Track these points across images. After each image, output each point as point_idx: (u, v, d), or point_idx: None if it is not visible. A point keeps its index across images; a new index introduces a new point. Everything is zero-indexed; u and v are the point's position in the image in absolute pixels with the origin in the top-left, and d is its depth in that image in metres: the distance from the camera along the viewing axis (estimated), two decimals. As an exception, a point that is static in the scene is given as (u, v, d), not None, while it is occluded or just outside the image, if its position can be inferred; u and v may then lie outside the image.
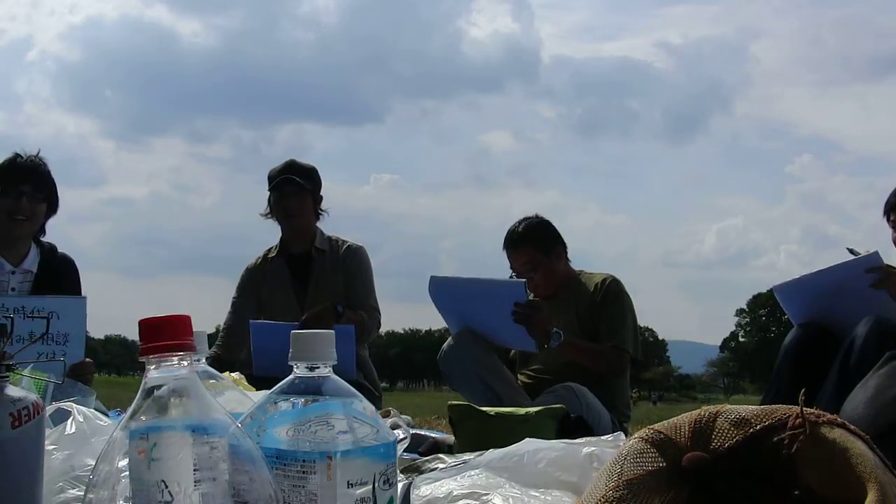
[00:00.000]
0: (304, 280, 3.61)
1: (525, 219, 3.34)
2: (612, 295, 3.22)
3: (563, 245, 3.35)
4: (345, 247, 3.66)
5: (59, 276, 3.09)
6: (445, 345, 3.19)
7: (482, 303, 3.10)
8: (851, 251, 2.83)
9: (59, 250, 3.17)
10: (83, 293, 3.18)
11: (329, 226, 3.73)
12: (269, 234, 3.73)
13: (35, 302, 2.79)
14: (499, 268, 3.44)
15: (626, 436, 1.42)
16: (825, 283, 2.78)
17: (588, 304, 3.22)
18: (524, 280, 3.10)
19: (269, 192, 3.60)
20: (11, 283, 2.97)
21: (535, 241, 3.28)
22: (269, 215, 3.64)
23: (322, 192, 3.67)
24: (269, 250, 3.74)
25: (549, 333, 3.01)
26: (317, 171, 3.66)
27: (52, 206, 3.05)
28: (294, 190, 3.53)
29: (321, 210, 3.66)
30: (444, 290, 3.21)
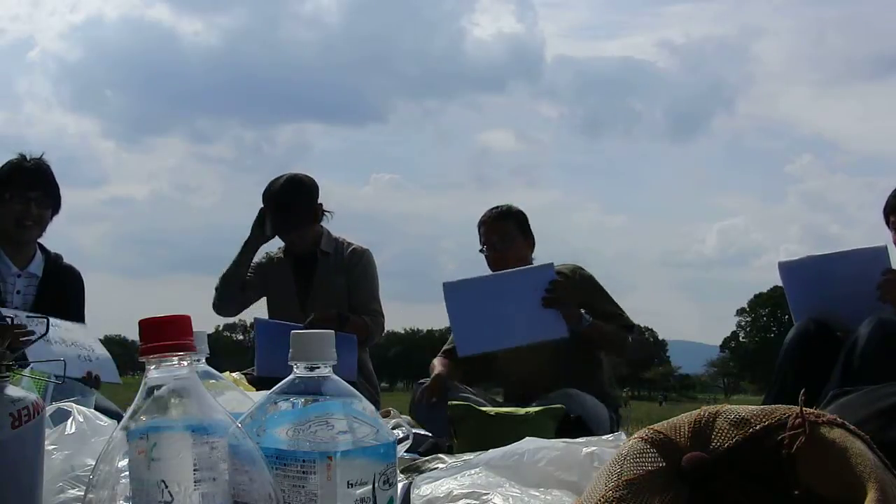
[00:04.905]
0: (307, 281, 3.59)
1: (507, 204, 3.44)
2: (591, 281, 3.27)
3: (534, 242, 3.42)
4: (350, 249, 3.62)
5: (63, 284, 3.08)
6: (415, 396, 3.20)
7: (504, 298, 3.06)
8: None
9: (66, 261, 3.15)
10: (85, 311, 3.16)
11: (330, 226, 3.72)
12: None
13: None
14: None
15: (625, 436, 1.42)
16: (830, 270, 2.77)
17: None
18: (552, 262, 3.10)
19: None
20: (17, 286, 2.96)
21: (516, 219, 3.36)
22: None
23: (323, 195, 3.60)
24: (275, 251, 3.71)
25: (580, 315, 3.02)
26: (310, 187, 3.52)
27: (56, 208, 3.05)
28: (290, 227, 3.50)
29: (325, 212, 3.60)
30: (459, 295, 3.14)
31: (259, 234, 3.54)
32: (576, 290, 3.10)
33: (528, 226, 3.40)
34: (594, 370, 3.24)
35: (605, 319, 3.14)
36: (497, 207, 3.40)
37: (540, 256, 3.41)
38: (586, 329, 3.04)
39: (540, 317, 3.00)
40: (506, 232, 3.32)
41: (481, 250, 3.35)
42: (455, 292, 3.15)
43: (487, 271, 3.37)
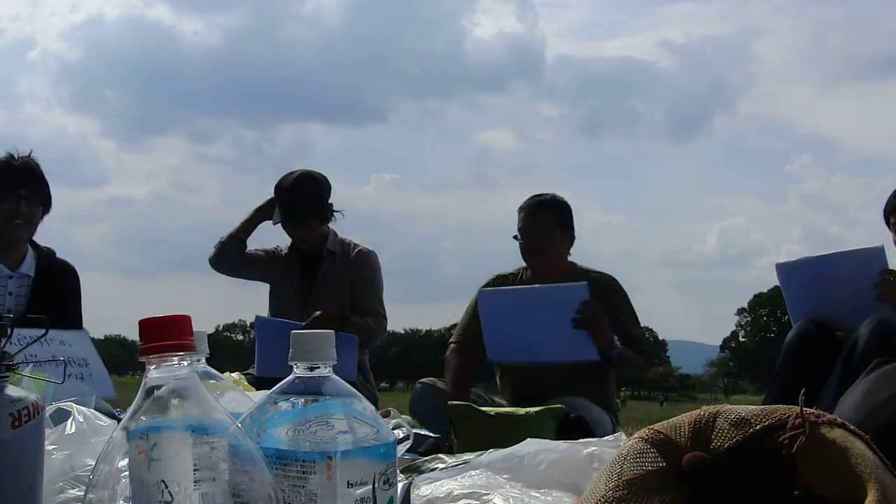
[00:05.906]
0: (310, 279, 3.59)
1: (551, 194, 3.29)
2: (623, 298, 3.20)
3: (574, 236, 3.28)
4: (356, 251, 3.63)
5: (57, 283, 3.06)
6: (415, 392, 3.21)
7: (536, 313, 2.98)
8: None
9: (59, 256, 3.14)
10: (83, 303, 3.16)
11: (333, 226, 3.71)
12: (273, 235, 3.70)
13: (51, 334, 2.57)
14: (500, 269, 3.43)
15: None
16: (828, 270, 2.76)
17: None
18: (586, 282, 2.98)
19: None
20: (9, 288, 2.94)
21: (556, 211, 3.21)
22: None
23: (332, 196, 3.61)
24: (283, 247, 3.72)
25: (611, 340, 2.93)
26: (322, 185, 3.55)
27: (46, 207, 3.03)
28: (297, 222, 3.51)
29: (335, 211, 3.60)
30: (493, 303, 3.11)
31: (268, 213, 3.56)
32: (605, 311, 2.95)
33: (570, 219, 3.24)
34: (604, 379, 3.19)
35: (627, 340, 3.05)
36: (540, 196, 3.26)
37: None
38: (615, 356, 2.97)
39: (570, 337, 2.91)
40: (543, 223, 3.18)
41: (515, 237, 3.22)
42: (489, 300, 3.13)
43: (486, 273, 3.34)
